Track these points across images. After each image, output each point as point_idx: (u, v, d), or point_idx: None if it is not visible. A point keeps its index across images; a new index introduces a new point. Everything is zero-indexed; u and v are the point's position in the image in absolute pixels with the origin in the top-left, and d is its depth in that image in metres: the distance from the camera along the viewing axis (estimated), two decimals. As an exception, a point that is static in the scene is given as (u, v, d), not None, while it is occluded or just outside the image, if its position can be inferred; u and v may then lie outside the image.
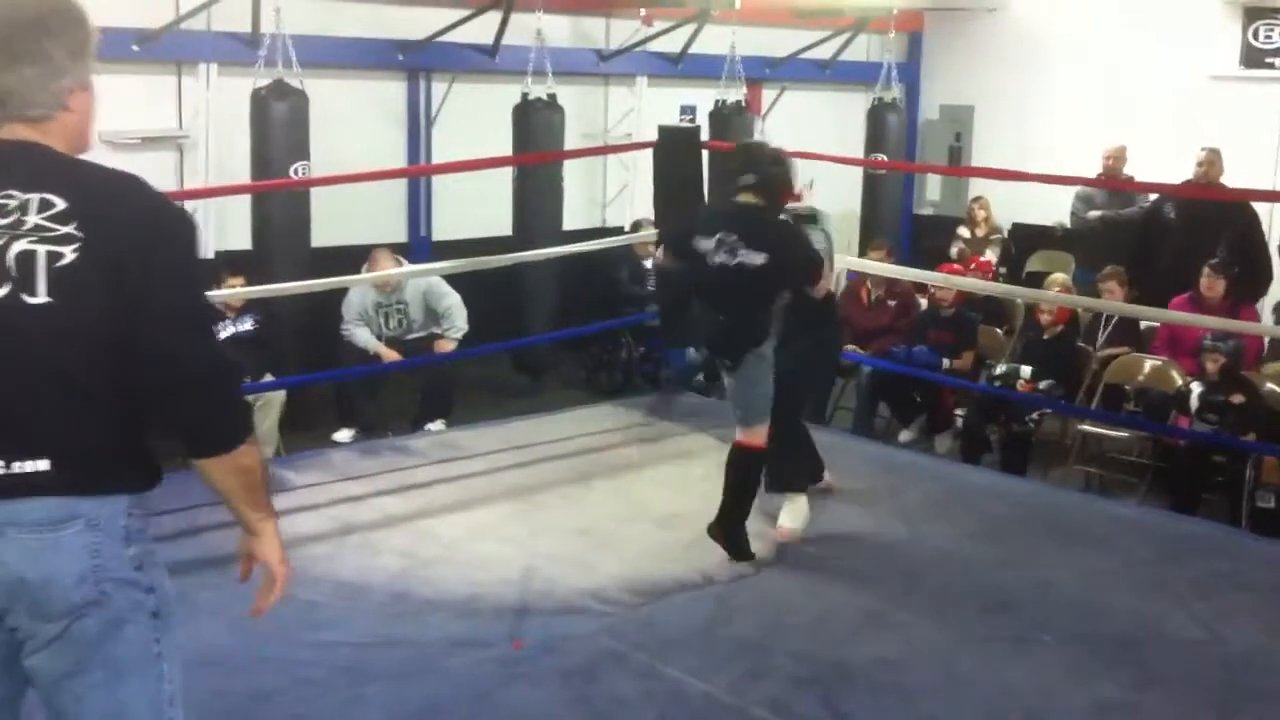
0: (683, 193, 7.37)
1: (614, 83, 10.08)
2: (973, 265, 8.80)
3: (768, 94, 10.94)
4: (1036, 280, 9.04)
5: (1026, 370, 7.26)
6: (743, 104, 9.38)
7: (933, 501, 6.08)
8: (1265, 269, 8.23)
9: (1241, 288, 7.58)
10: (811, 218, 5.60)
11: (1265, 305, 8.59)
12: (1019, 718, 4.02)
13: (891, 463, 6.75)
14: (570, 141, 8.95)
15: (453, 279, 7.70)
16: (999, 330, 8.23)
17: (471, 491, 6.06)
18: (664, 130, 7.85)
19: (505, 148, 8.41)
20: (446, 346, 7.66)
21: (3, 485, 2.17)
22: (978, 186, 10.59)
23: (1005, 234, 10.25)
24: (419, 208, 9.16)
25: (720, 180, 8.46)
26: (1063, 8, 10.83)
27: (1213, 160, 8.26)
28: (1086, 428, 7.28)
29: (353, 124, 8.41)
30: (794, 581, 5.06)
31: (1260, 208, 8.31)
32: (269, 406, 6.89)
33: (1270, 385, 6.90)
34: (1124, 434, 7.15)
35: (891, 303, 8.37)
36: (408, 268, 7.67)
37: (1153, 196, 8.74)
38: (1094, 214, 9.08)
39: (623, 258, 9.04)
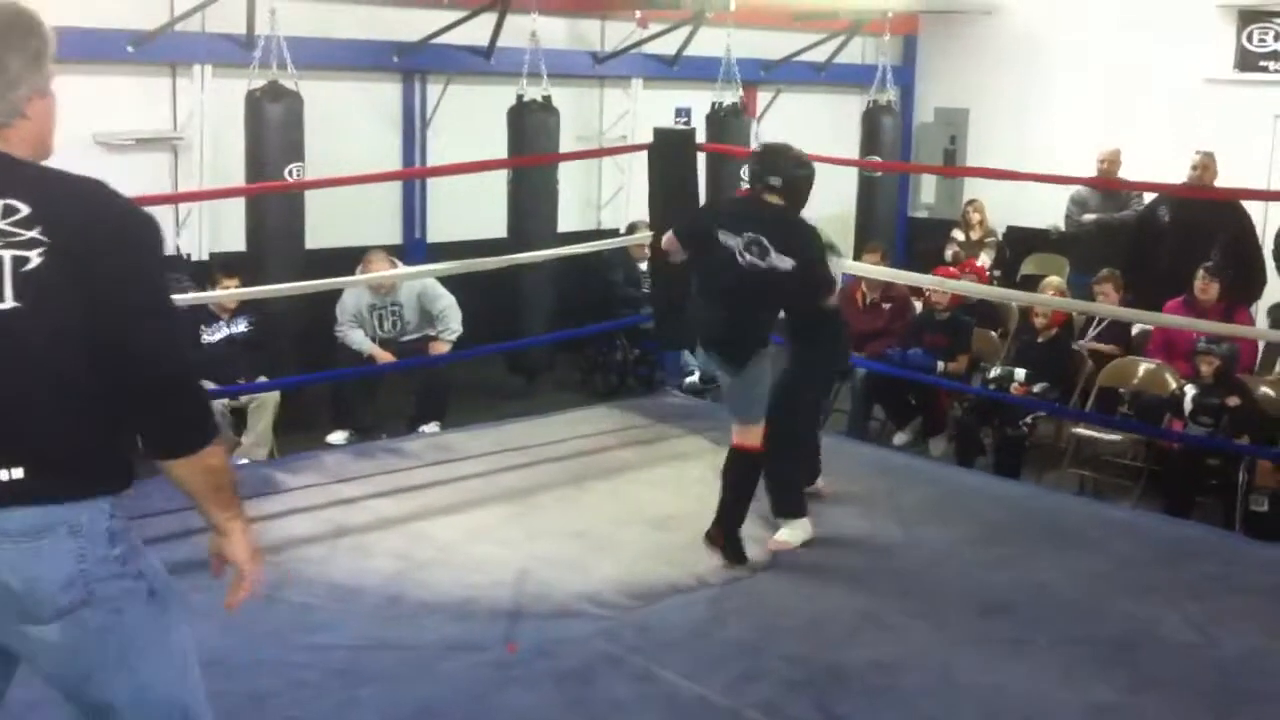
0: (678, 195, 7.37)
1: (609, 85, 10.09)
2: (966, 270, 8.81)
3: (763, 96, 10.95)
4: (1031, 283, 9.06)
5: (1021, 373, 7.27)
6: (738, 106, 9.38)
7: (928, 504, 6.08)
8: (1259, 272, 8.23)
9: (1235, 291, 7.59)
10: (830, 246, 5.54)
11: (1259, 308, 8.60)
12: (1014, 720, 4.03)
13: (886, 465, 6.75)
14: (565, 144, 8.94)
15: (447, 281, 7.70)
16: (993, 333, 8.24)
17: (466, 494, 6.05)
18: (659, 132, 7.86)
19: (500, 150, 8.41)
20: (441, 348, 7.67)
21: None
22: (972, 189, 10.61)
23: (1000, 237, 10.27)
24: (414, 209, 9.15)
25: (719, 184, 8.51)
26: (1057, 11, 10.85)
27: (1207, 163, 8.27)
28: (1081, 431, 7.28)
29: (348, 126, 8.40)
30: (789, 584, 5.06)
31: (1254, 211, 8.32)
32: (263, 408, 6.89)
33: (1264, 389, 6.91)
34: (1118, 437, 7.16)
35: (886, 305, 8.37)
36: (402, 269, 7.67)
37: (1147, 199, 8.75)
38: (1088, 217, 9.09)
39: (618, 260, 9.04)
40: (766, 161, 5.16)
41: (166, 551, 2.44)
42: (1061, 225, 9.57)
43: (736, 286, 5.01)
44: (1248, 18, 9.78)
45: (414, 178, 9.07)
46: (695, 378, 8.32)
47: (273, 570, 4.88)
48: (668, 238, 5.44)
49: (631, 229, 8.93)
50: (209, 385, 6.52)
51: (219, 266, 7.31)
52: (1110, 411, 7.27)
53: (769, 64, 10.57)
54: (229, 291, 6.87)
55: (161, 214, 6.18)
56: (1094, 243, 8.96)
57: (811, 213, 5.28)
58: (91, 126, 7.33)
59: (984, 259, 9.77)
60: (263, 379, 6.92)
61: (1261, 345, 7.91)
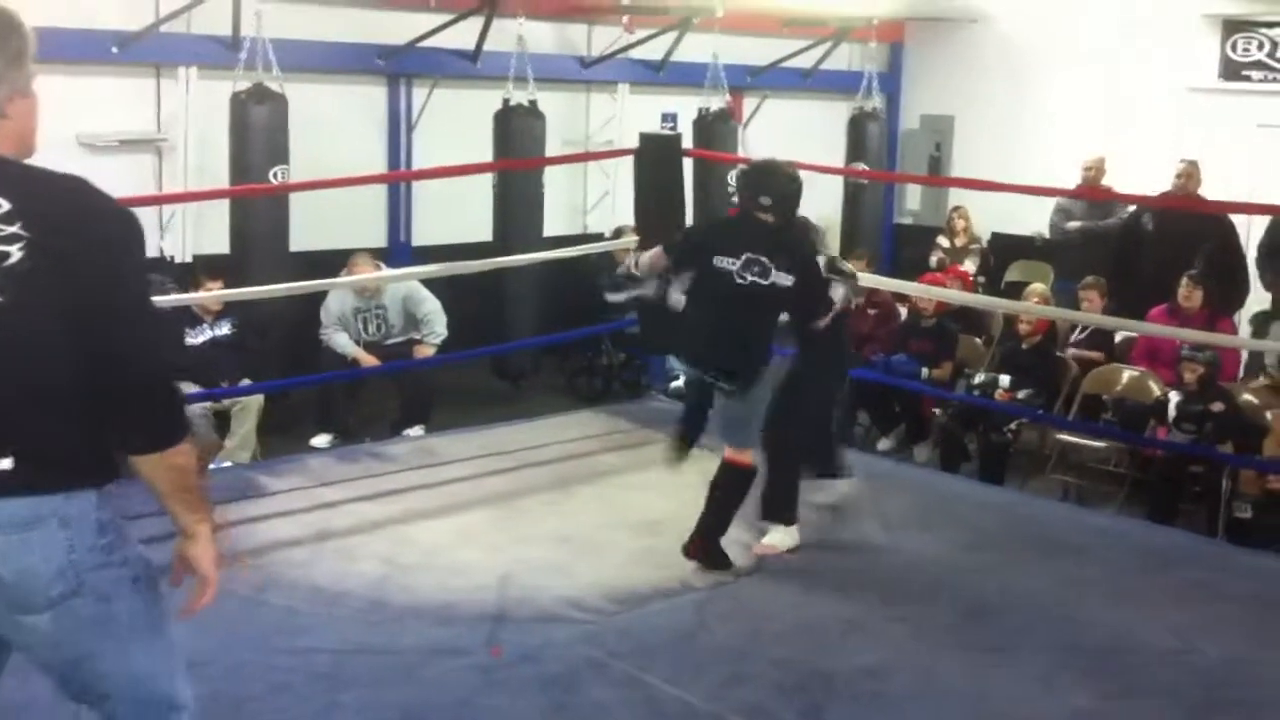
0: (664, 200, 7.36)
1: (596, 90, 10.08)
2: (951, 276, 8.83)
3: (749, 102, 10.95)
4: (1015, 290, 9.08)
5: (1005, 380, 7.29)
6: (725, 112, 9.39)
7: (912, 510, 6.09)
8: (1242, 280, 8.27)
9: (1219, 299, 7.63)
10: (842, 272, 5.49)
11: (1242, 317, 8.64)
12: (998, 726, 4.03)
13: (871, 471, 6.74)
14: (551, 148, 8.93)
15: (432, 284, 7.68)
16: (978, 339, 8.26)
17: (451, 498, 6.04)
18: (645, 137, 7.86)
19: (486, 153, 8.39)
20: (426, 352, 7.65)
21: None
22: (957, 196, 10.63)
23: (984, 244, 10.30)
24: (399, 213, 9.13)
25: (705, 189, 8.51)
26: (1043, 20, 10.88)
27: (1191, 172, 8.32)
28: (1065, 437, 7.30)
29: (333, 128, 8.36)
30: (774, 590, 5.06)
31: (1237, 220, 8.36)
32: (247, 411, 6.87)
33: (1247, 396, 6.93)
34: (1102, 444, 7.18)
35: (872, 312, 8.38)
36: (387, 272, 7.65)
37: (1131, 208, 8.78)
38: (1073, 224, 9.11)
39: (603, 264, 9.02)
40: (756, 182, 5.16)
41: (153, 554, 2.45)
42: (1046, 233, 9.59)
43: (737, 306, 4.99)
44: (1232, 27, 9.83)
45: (399, 181, 9.05)
46: (680, 382, 8.31)
47: (256, 574, 4.90)
48: (655, 253, 5.41)
49: (617, 234, 8.93)
50: (193, 388, 6.50)
51: (203, 269, 7.28)
52: (1094, 418, 7.29)
53: (755, 70, 10.58)
54: (213, 293, 6.84)
55: (145, 216, 6.17)
56: (1078, 250, 8.98)
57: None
58: (75, 127, 7.29)
59: (969, 265, 9.80)
60: (246, 382, 6.89)
61: (1245, 354, 7.94)
